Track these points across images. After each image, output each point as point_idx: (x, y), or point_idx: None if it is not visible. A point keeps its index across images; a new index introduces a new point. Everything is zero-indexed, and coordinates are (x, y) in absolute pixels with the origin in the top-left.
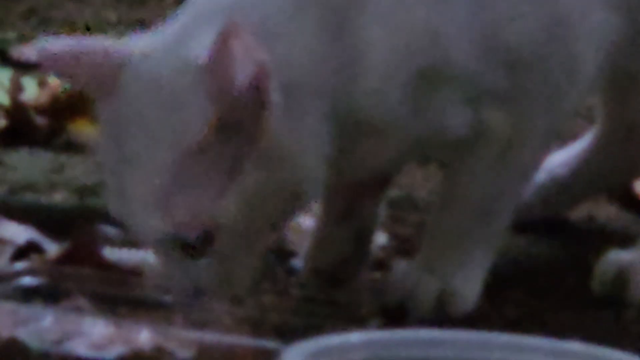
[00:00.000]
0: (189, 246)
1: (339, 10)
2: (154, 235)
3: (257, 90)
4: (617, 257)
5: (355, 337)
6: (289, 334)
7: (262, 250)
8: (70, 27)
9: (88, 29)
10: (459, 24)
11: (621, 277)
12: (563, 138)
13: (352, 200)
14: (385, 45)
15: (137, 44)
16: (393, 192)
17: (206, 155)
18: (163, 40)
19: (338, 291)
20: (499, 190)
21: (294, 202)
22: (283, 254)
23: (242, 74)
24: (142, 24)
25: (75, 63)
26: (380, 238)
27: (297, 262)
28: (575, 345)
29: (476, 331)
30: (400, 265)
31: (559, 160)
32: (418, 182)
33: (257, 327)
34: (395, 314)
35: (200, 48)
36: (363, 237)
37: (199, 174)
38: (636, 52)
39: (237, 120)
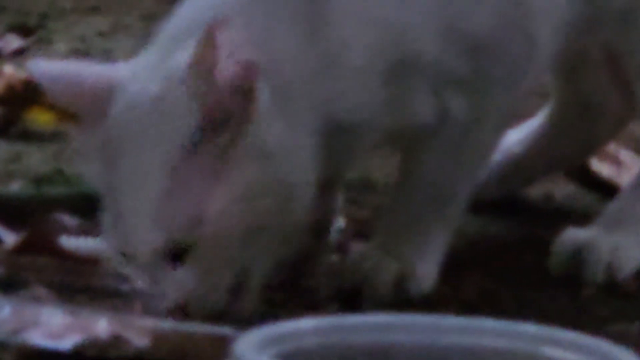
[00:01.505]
0: (180, 254)
1: (310, 14)
2: (152, 248)
3: (244, 86)
4: (574, 235)
5: (307, 323)
6: (247, 321)
7: (265, 261)
8: (25, 15)
9: (43, 17)
10: (424, 15)
11: (578, 256)
12: (519, 116)
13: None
14: (358, 43)
15: (126, 67)
16: (350, 175)
17: (195, 157)
18: (148, 58)
19: (294, 276)
20: (457, 172)
21: (286, 200)
22: None
23: (228, 67)
24: (97, 12)
25: (72, 88)
26: (339, 221)
27: None
28: (527, 327)
29: (432, 314)
30: (359, 248)
31: (515, 139)
32: (375, 164)
33: (214, 314)
34: (353, 298)
35: (184, 58)
36: (323, 228)
37: (189, 178)
38: (589, 31)
39: (224, 117)
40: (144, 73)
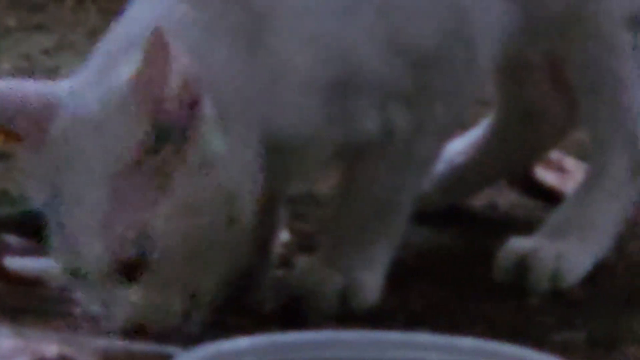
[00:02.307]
0: (128, 269)
1: (250, 30)
2: (99, 266)
3: (189, 99)
4: (519, 244)
5: (244, 342)
6: (195, 339)
7: (213, 278)
8: None
9: None
10: (367, 31)
11: (522, 265)
12: (462, 126)
13: (259, 212)
14: (299, 59)
15: (66, 84)
16: (294, 189)
17: (139, 172)
18: (87, 74)
19: (240, 291)
20: (401, 183)
21: (230, 213)
22: None
23: (173, 82)
24: (42, 30)
25: (12, 107)
26: (282, 235)
27: None
28: (466, 341)
29: (378, 326)
30: (303, 262)
31: (457, 148)
32: (318, 177)
33: (163, 333)
34: (298, 312)
35: (125, 73)
36: (267, 243)
37: (134, 194)
38: (529, 41)
39: (168, 131)
40: (85, 89)
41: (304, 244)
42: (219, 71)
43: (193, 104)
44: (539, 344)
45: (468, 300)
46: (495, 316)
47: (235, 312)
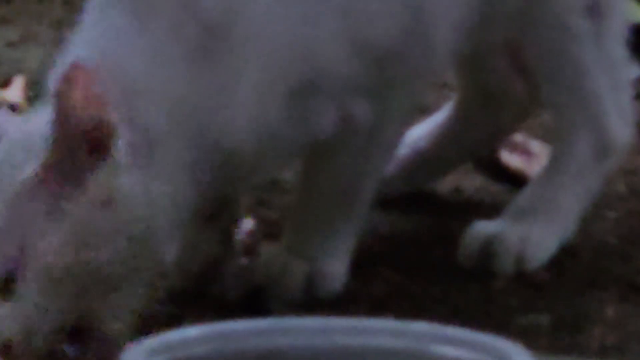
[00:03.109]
0: (4, 288)
1: (199, 46)
2: None
3: (98, 139)
4: (483, 228)
5: (194, 331)
6: (153, 326)
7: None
8: None
9: None
10: (329, 32)
11: (487, 249)
12: (424, 110)
13: (220, 203)
14: (257, 67)
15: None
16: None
17: (34, 195)
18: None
19: (202, 279)
20: (362, 170)
21: (138, 256)
22: None
23: (78, 119)
24: (6, 22)
25: None
26: (247, 223)
27: None
28: (417, 325)
29: (342, 312)
30: (267, 250)
31: (421, 132)
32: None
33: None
34: (262, 300)
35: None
36: (229, 234)
37: (23, 213)
38: (488, 29)
39: (72, 162)
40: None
41: (268, 231)
42: (157, 108)
43: (100, 146)
44: (503, 327)
45: (433, 285)
46: (460, 300)
47: (198, 301)
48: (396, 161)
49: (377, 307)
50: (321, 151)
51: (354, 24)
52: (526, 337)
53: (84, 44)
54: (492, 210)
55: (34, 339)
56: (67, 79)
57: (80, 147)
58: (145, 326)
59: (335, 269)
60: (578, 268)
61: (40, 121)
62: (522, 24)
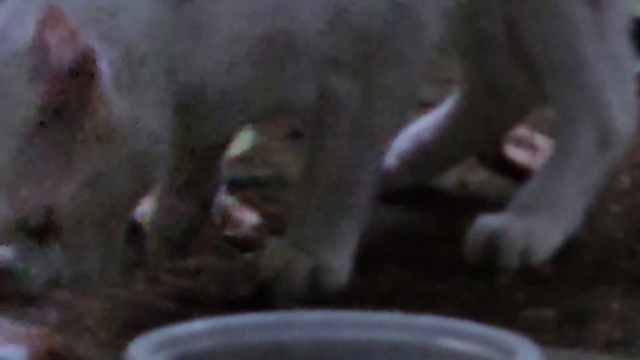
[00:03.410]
0: (36, 233)
1: None
2: (4, 227)
3: (83, 73)
4: (488, 222)
5: (200, 325)
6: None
7: (121, 235)
8: None
9: None
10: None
11: (492, 243)
12: (428, 104)
13: (193, 170)
14: (231, 13)
15: None
16: (263, 171)
17: (42, 140)
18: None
19: (206, 275)
20: (357, 157)
21: (142, 179)
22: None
23: (64, 53)
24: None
25: None
26: (252, 217)
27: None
28: (422, 319)
29: (348, 307)
30: (272, 245)
31: (424, 126)
32: (288, 160)
33: (132, 312)
34: (267, 295)
35: (23, 37)
36: (205, 203)
37: (36, 165)
38: (487, 14)
39: (65, 103)
40: None
41: (273, 227)
42: (131, 30)
43: (87, 77)
44: (509, 321)
45: (438, 280)
46: (465, 295)
47: (204, 297)
48: (401, 155)
49: (382, 302)
50: (316, 136)
51: None
52: (532, 331)
53: None
54: (496, 204)
55: (81, 276)
56: (41, 24)
57: (71, 82)
58: (151, 322)
59: (340, 263)
60: (583, 262)
61: (6, 51)
62: (521, 13)
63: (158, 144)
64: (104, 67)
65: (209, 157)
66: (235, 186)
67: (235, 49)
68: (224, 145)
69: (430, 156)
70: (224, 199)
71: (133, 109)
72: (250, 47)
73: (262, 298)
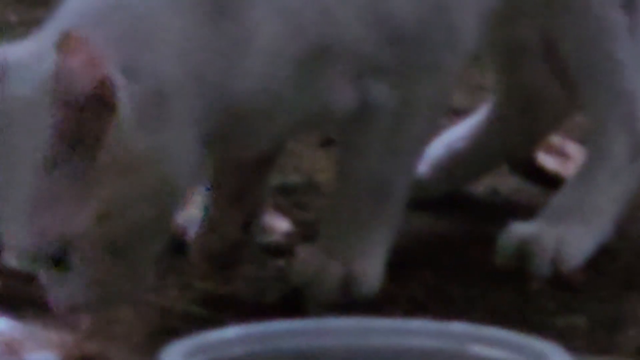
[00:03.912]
0: (53, 260)
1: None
2: (25, 254)
3: (101, 102)
4: (520, 229)
5: (232, 331)
6: (190, 328)
7: (151, 256)
8: None
9: None
10: (346, 3)
11: (523, 250)
12: (462, 111)
13: (239, 185)
14: (273, 25)
15: (15, 54)
16: (294, 178)
17: (60, 168)
18: (29, 51)
19: (240, 281)
20: (391, 167)
21: (166, 204)
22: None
23: (77, 87)
24: (43, 24)
25: None
26: (283, 224)
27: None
28: (455, 325)
29: (379, 313)
30: (304, 251)
31: (458, 134)
32: (319, 166)
33: (164, 318)
34: (298, 301)
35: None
36: (250, 222)
37: (55, 191)
38: (519, 18)
39: (81, 132)
40: (28, 65)
41: (305, 233)
42: (165, 55)
43: (106, 106)
44: (540, 328)
45: (469, 286)
46: (496, 302)
47: (235, 303)
48: (433, 162)
49: (413, 309)
50: (350, 141)
51: None
52: (563, 338)
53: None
54: (528, 211)
55: (103, 301)
56: (60, 47)
57: (87, 112)
58: (182, 328)
59: (372, 270)
60: (615, 269)
61: (36, 77)
62: (556, 18)
63: (181, 177)
64: (125, 98)
65: (254, 172)
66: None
67: (278, 62)
68: (269, 160)
69: (462, 163)
70: (282, 225)
71: (155, 143)
72: (293, 59)
73: (293, 305)
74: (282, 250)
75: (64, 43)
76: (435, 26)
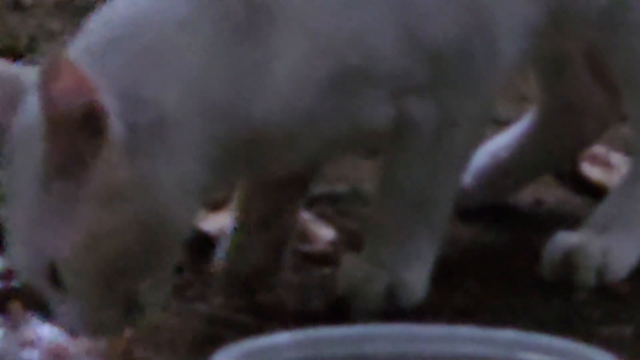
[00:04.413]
0: (50, 281)
1: (241, 21)
2: (25, 274)
3: (90, 125)
4: (565, 239)
5: (284, 337)
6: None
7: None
8: (14, 39)
9: (32, 40)
10: (382, 23)
11: (569, 260)
12: (505, 122)
13: (269, 208)
14: (300, 47)
15: (31, 75)
16: (340, 187)
17: (49, 194)
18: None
19: (282, 289)
20: (434, 179)
21: (157, 234)
22: (207, 241)
23: (62, 111)
24: None
25: None
26: (328, 233)
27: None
28: (504, 333)
29: (424, 323)
30: (349, 260)
31: (500, 144)
32: (364, 175)
33: (205, 333)
34: (344, 309)
35: None
36: (279, 245)
37: (46, 213)
38: (565, 29)
39: (73, 155)
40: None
41: (350, 242)
42: (176, 73)
43: (97, 131)
44: (586, 338)
45: (514, 297)
46: (542, 311)
47: (280, 311)
48: (477, 172)
49: (458, 318)
50: (393, 155)
51: (409, 17)
52: (608, 348)
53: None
54: (573, 222)
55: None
56: (45, 72)
57: (75, 136)
58: (228, 335)
59: (416, 279)
60: None
61: None
62: (604, 32)
63: (175, 207)
64: (116, 123)
65: (284, 196)
66: (311, 201)
67: (305, 84)
68: (301, 185)
69: (506, 174)
70: (327, 234)
71: (148, 171)
72: (322, 81)
73: (337, 313)
74: (327, 258)
75: (51, 67)
76: (475, 44)
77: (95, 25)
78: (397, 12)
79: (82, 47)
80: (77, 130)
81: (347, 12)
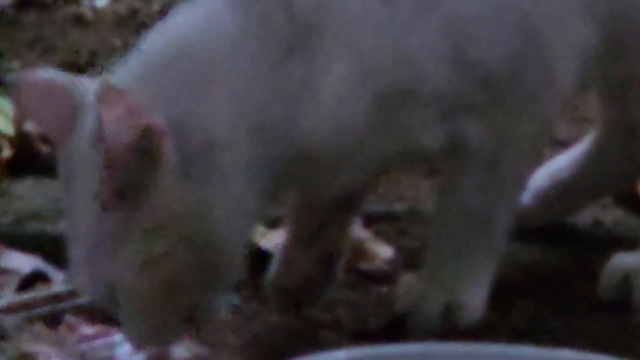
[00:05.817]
0: (110, 301)
1: (289, 40)
2: (86, 292)
3: (144, 152)
4: (622, 261)
5: (342, 354)
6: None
7: (202, 302)
8: (76, 54)
9: (93, 55)
10: (430, 44)
11: (627, 282)
12: (566, 143)
13: (319, 224)
14: (345, 65)
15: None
16: (398, 206)
17: (109, 216)
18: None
19: (340, 307)
20: (493, 200)
21: (211, 256)
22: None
23: (116, 138)
24: None
25: (38, 100)
26: (387, 251)
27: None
28: (565, 353)
29: (481, 343)
30: (406, 279)
31: (560, 164)
32: (423, 194)
33: (264, 349)
34: (401, 328)
35: None
36: (328, 261)
37: (104, 234)
38: (623, 57)
39: (128, 181)
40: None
41: (408, 261)
42: (223, 96)
43: (153, 157)
44: None
45: (571, 317)
46: (599, 333)
47: (337, 328)
48: (536, 193)
49: (515, 339)
50: (450, 177)
51: (457, 37)
52: None
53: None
54: (632, 243)
55: (160, 339)
56: (100, 99)
57: (131, 163)
58: (287, 352)
59: (474, 299)
60: None
61: None
62: None
63: (227, 230)
64: (169, 149)
65: (334, 212)
66: (370, 220)
67: (350, 103)
68: (352, 200)
69: (566, 195)
70: (386, 253)
71: (200, 196)
72: (368, 100)
73: (395, 331)
74: (385, 277)
75: (103, 95)
76: (528, 64)
77: (146, 48)
78: (446, 32)
79: (133, 71)
80: (134, 157)
81: (395, 31)
